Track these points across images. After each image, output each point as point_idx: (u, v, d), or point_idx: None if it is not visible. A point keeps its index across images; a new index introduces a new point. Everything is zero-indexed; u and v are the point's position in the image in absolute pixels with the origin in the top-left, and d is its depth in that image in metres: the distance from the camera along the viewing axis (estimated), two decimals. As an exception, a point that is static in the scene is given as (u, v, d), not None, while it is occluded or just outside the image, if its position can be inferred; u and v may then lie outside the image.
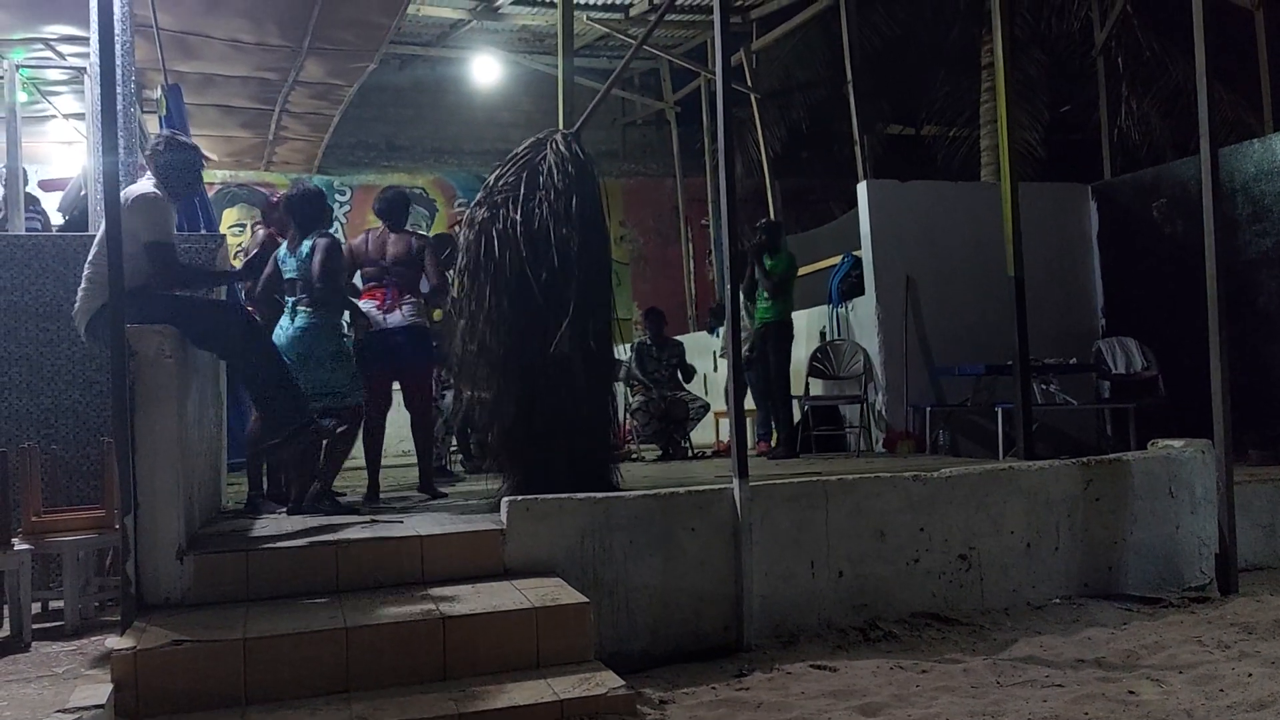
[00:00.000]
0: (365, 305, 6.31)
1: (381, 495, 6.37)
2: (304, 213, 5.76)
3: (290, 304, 5.64)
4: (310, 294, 5.58)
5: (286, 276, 5.72)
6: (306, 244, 5.65)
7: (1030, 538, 5.65)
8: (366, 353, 6.15)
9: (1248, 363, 7.52)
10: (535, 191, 5.66)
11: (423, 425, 6.68)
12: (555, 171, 5.65)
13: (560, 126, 6.58)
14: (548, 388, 5.45)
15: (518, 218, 5.57)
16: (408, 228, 6.81)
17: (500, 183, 5.74)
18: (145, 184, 5.09)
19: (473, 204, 5.89)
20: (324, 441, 5.56)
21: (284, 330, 5.60)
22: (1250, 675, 4.18)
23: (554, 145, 5.77)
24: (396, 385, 6.69)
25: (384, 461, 6.57)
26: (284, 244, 5.85)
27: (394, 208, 6.67)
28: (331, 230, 5.86)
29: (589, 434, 5.59)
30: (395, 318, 6.37)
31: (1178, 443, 6.13)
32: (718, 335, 11.00)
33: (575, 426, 5.48)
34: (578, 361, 5.43)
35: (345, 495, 6.07)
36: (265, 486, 6.16)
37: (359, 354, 6.02)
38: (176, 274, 5.00)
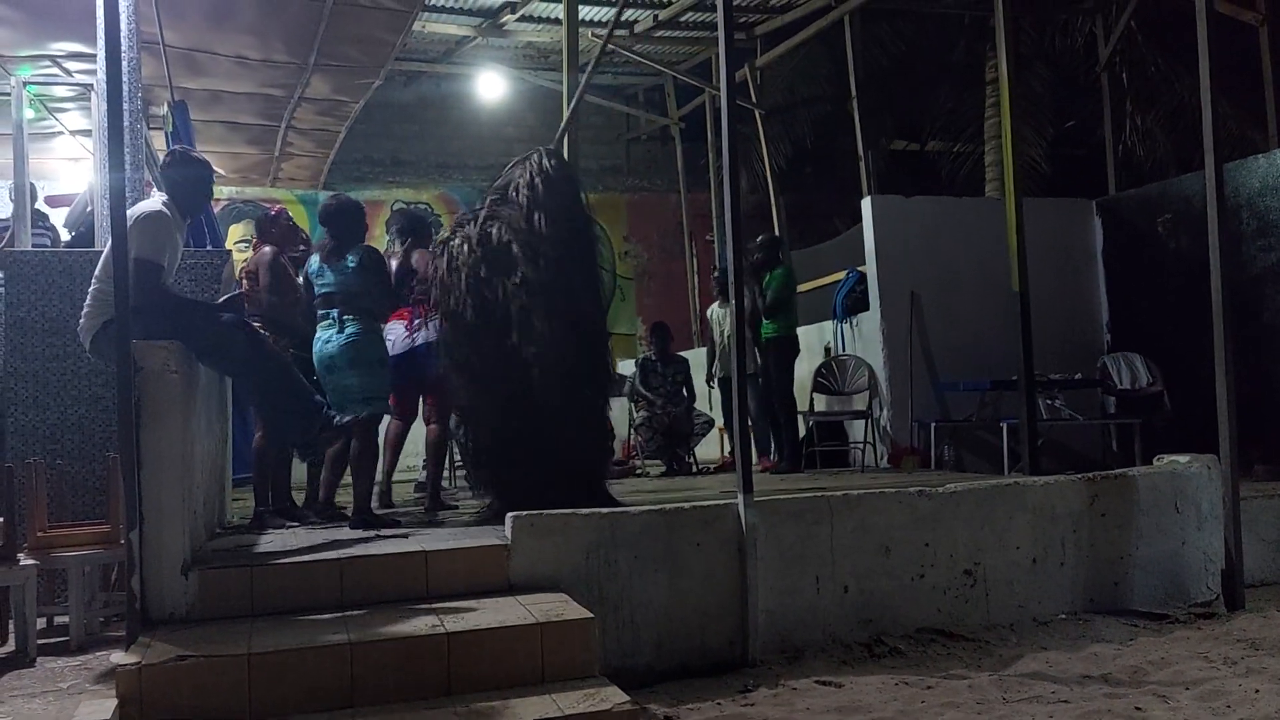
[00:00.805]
0: (393, 326, 6.48)
1: (394, 504, 6.51)
2: (344, 225, 5.77)
3: (334, 315, 5.63)
4: (360, 305, 5.63)
5: (323, 289, 5.71)
6: (352, 258, 5.68)
7: (1036, 553, 5.63)
8: (397, 369, 6.23)
9: (1253, 377, 7.50)
10: (498, 207, 5.73)
11: (439, 440, 6.77)
12: (522, 187, 5.69)
13: (564, 143, 6.63)
14: (521, 405, 5.45)
15: (473, 233, 5.65)
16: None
17: (477, 203, 5.85)
18: (153, 202, 5.08)
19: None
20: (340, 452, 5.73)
21: (330, 341, 5.61)
22: (1258, 691, 4.17)
23: (530, 161, 5.81)
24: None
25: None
26: (315, 257, 5.84)
27: (417, 227, 6.82)
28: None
29: (574, 450, 5.54)
30: (423, 335, 6.47)
31: (1183, 458, 6.12)
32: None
33: (553, 444, 5.45)
34: (555, 378, 5.42)
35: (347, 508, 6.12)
36: (270, 501, 6.16)
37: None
38: (152, 295, 4.76)
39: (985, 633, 5.31)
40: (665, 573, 4.89)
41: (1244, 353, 6.29)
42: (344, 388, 5.59)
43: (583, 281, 5.71)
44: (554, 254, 5.53)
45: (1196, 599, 5.89)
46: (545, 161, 5.79)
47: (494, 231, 5.62)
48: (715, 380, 9.37)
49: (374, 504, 6.09)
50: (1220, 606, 5.76)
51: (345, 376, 5.58)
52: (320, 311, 5.71)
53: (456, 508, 6.50)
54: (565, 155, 6.93)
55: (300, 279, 6.04)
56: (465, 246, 5.66)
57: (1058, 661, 4.79)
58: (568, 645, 4.14)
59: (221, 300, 5.52)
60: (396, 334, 6.54)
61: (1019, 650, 5.01)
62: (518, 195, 5.70)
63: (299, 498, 6.36)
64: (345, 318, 5.62)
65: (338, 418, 5.41)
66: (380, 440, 6.02)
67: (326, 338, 5.64)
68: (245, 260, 6.78)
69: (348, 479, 5.87)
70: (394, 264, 6.47)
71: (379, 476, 6.29)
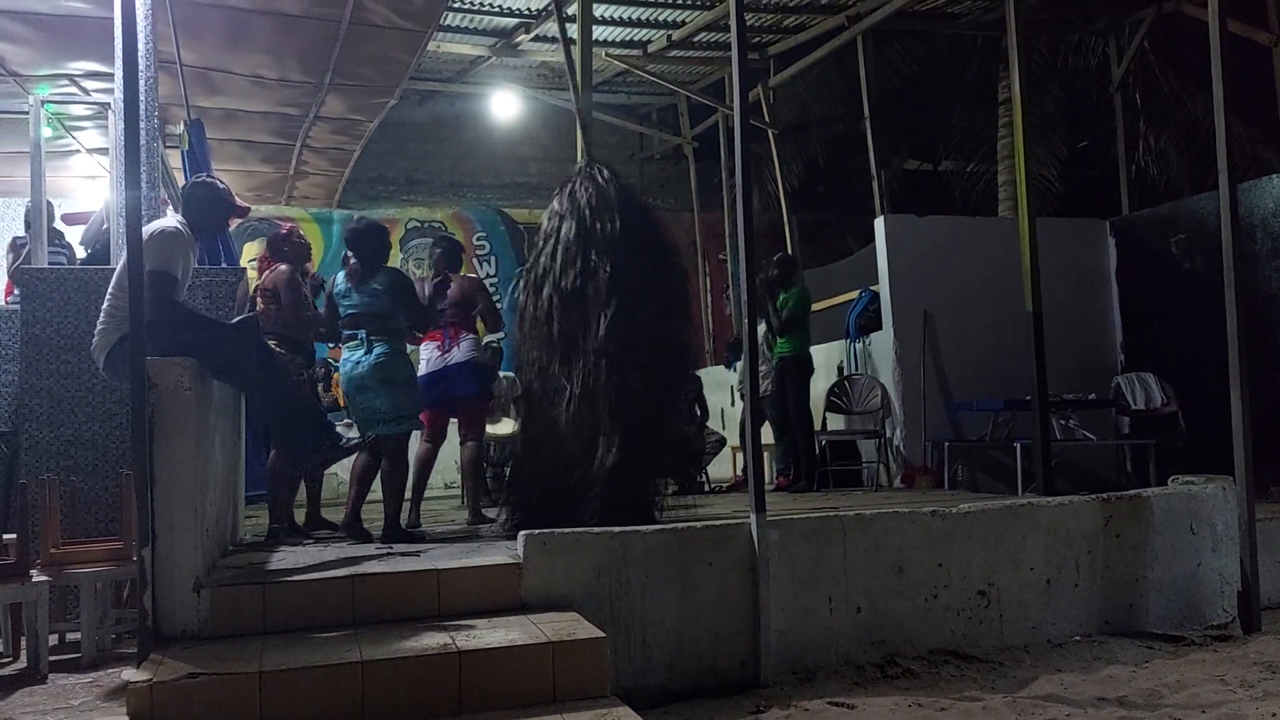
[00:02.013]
0: (426, 346, 6.78)
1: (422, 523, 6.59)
2: (369, 247, 5.88)
3: (362, 336, 5.75)
4: (388, 326, 5.76)
5: (349, 310, 5.81)
6: (380, 280, 5.80)
7: (1050, 574, 5.60)
8: (428, 389, 6.49)
9: (1268, 398, 7.46)
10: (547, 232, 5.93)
11: (475, 457, 7.04)
12: (583, 205, 5.81)
13: (579, 160, 6.69)
14: (556, 422, 5.52)
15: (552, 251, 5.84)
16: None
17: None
18: (169, 220, 5.14)
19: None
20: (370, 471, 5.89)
21: (360, 362, 5.72)
22: (1275, 715, 4.13)
23: (573, 184, 5.93)
24: None
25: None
26: (340, 277, 5.93)
27: (449, 253, 7.13)
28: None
29: (616, 468, 5.48)
30: (455, 355, 6.75)
31: (1198, 479, 6.09)
32: (735, 370, 11.00)
33: (577, 460, 5.49)
34: (602, 396, 5.46)
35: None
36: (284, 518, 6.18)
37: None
38: (166, 307, 4.77)
39: (999, 654, 5.28)
40: (677, 592, 4.87)
41: (1259, 373, 6.25)
42: (373, 408, 5.73)
43: (644, 298, 5.67)
44: (617, 267, 5.61)
45: (1212, 621, 5.85)
46: (581, 183, 5.96)
47: (564, 250, 5.77)
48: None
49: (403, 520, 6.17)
50: (1236, 629, 5.72)
51: (375, 397, 5.70)
52: (347, 332, 5.82)
53: (493, 521, 6.55)
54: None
55: (308, 292, 6.17)
56: (542, 265, 5.83)
57: (1072, 684, 4.75)
58: (579, 665, 4.12)
59: (237, 320, 5.54)
60: (429, 354, 6.77)
61: (1033, 672, 4.98)
62: (559, 220, 5.86)
63: (298, 514, 6.40)
64: (373, 339, 5.73)
65: (355, 439, 5.48)
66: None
67: (355, 359, 5.74)
68: (258, 278, 6.81)
69: (375, 495, 5.94)
70: (428, 287, 6.58)
71: (408, 494, 6.36)
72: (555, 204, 6.03)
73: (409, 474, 6.19)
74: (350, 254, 5.95)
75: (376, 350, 5.71)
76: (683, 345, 5.84)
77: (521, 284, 6.02)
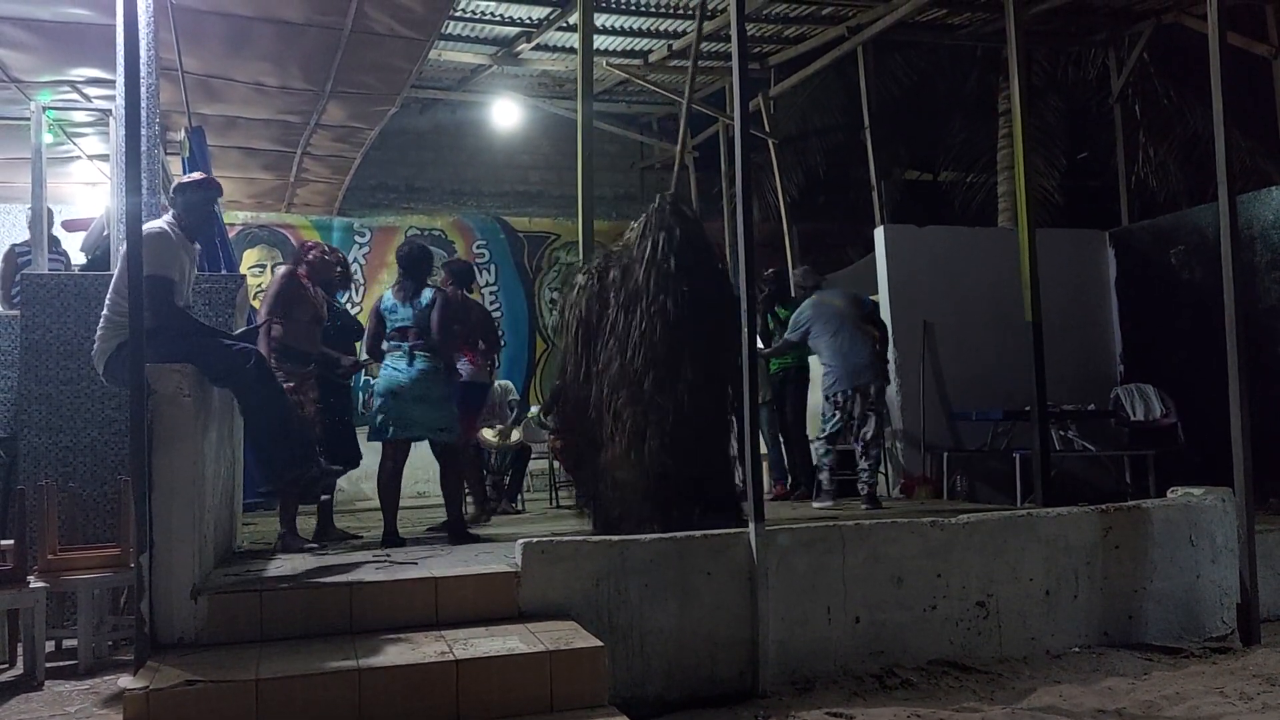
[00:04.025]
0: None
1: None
2: (417, 267, 6.45)
3: (405, 348, 6.20)
4: (427, 341, 6.21)
5: (398, 324, 6.27)
6: (426, 294, 6.31)
7: (1049, 585, 5.60)
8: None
9: (1268, 410, 7.45)
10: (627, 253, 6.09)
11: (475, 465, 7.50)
12: (650, 231, 5.96)
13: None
14: (644, 436, 5.67)
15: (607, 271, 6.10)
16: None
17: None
18: (155, 222, 5.05)
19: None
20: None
21: (401, 372, 6.18)
22: (1274, 728, 4.12)
23: (665, 213, 6.03)
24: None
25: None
26: (389, 294, 6.41)
27: (460, 274, 7.73)
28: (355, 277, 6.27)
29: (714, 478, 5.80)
30: (465, 371, 7.39)
31: (1198, 490, 6.08)
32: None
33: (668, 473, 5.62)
34: (667, 409, 5.60)
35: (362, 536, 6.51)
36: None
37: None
38: (165, 311, 4.74)
39: (998, 665, 5.27)
40: (676, 601, 4.87)
41: (1258, 385, 6.25)
42: (410, 418, 6.17)
43: (696, 322, 5.81)
44: (680, 291, 5.76)
45: (1211, 633, 5.84)
46: (672, 207, 6.08)
47: (620, 273, 5.98)
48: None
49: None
50: (1236, 641, 5.71)
51: (411, 408, 6.16)
52: (392, 343, 6.28)
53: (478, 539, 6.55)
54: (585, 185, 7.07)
55: (317, 296, 6.36)
56: (597, 286, 6.05)
57: (1071, 695, 4.75)
58: (577, 674, 4.12)
59: (239, 332, 5.54)
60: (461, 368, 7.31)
61: (1032, 683, 4.97)
62: (649, 243, 5.94)
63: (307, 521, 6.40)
64: (416, 352, 6.21)
65: (337, 469, 5.83)
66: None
67: (398, 367, 6.20)
68: (259, 284, 6.79)
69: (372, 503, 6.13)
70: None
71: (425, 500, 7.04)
72: (646, 228, 6.02)
73: (463, 477, 6.77)
74: (400, 272, 6.47)
75: (417, 364, 6.18)
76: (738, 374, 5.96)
77: (581, 291, 6.11)
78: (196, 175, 5.68)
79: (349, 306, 11.81)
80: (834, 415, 7.64)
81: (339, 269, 6.79)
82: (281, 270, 6.35)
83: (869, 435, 7.56)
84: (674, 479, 5.63)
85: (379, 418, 6.21)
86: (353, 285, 12.13)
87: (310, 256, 6.55)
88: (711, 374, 5.79)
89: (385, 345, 6.31)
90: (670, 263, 5.81)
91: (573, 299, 6.16)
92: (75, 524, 5.54)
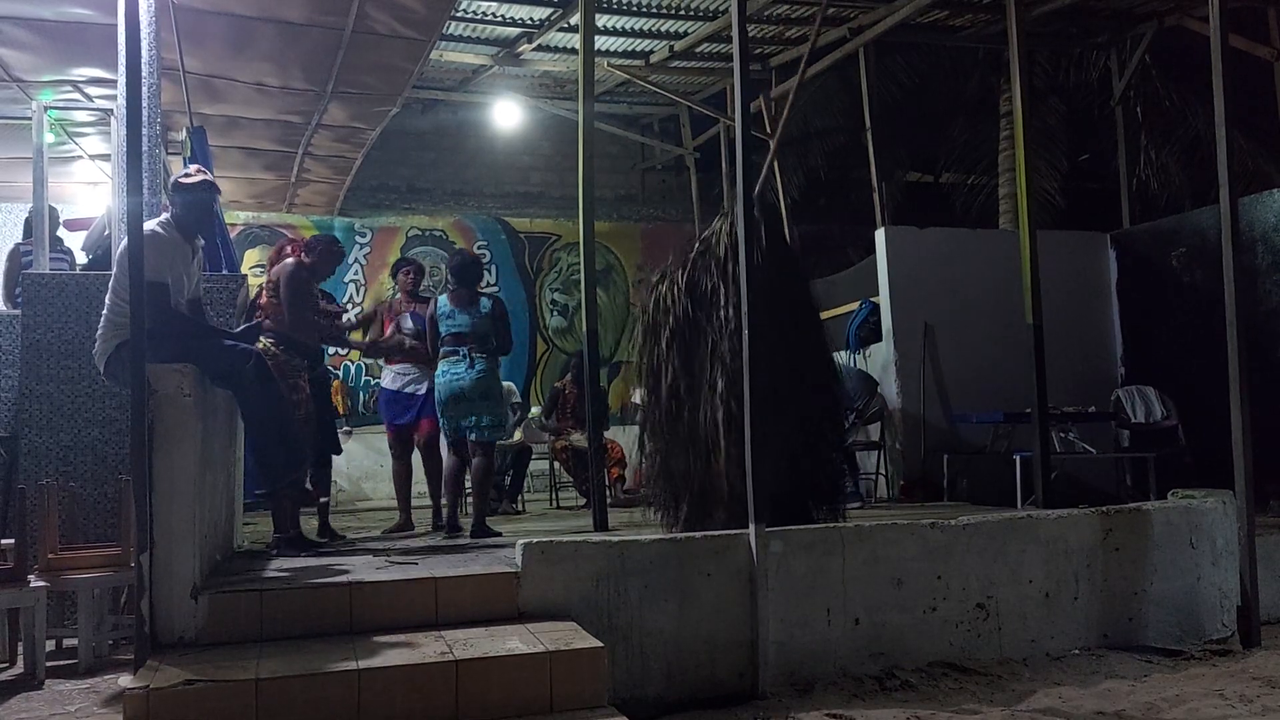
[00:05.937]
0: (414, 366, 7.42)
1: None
2: (469, 275, 6.87)
3: (464, 352, 6.57)
4: (487, 345, 6.62)
5: (454, 330, 6.63)
6: (485, 302, 6.73)
7: (1049, 587, 5.59)
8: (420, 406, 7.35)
9: (1268, 412, 7.44)
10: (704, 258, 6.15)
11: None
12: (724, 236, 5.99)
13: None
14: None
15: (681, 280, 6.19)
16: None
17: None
18: (149, 223, 4.99)
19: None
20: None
21: (461, 374, 6.55)
22: (1273, 730, 4.12)
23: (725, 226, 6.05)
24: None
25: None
26: (444, 299, 6.80)
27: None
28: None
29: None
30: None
31: (1198, 493, 6.08)
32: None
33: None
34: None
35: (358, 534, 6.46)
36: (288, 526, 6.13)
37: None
38: (159, 318, 4.64)
39: (998, 667, 5.27)
40: (675, 602, 4.87)
41: (1259, 387, 6.25)
42: (471, 419, 6.55)
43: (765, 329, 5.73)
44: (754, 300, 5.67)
45: (1212, 635, 5.84)
46: (761, 204, 6.26)
47: (701, 279, 6.04)
48: None
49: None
50: (1236, 643, 5.71)
51: (475, 407, 6.54)
52: (448, 348, 6.64)
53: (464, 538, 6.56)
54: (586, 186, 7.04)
55: (312, 294, 6.36)
56: (673, 291, 6.15)
57: (1071, 697, 4.75)
58: (577, 675, 4.12)
59: (239, 330, 5.50)
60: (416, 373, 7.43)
61: (1032, 685, 4.97)
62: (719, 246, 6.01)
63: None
64: (475, 355, 6.58)
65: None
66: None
67: (457, 372, 6.57)
68: (260, 284, 6.73)
69: (375, 500, 6.19)
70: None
71: (444, 500, 7.14)
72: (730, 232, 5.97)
73: (491, 480, 7.08)
74: (451, 280, 6.86)
75: (478, 366, 6.55)
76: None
77: (667, 288, 6.19)
78: (194, 170, 5.54)
79: (349, 306, 11.85)
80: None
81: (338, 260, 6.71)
82: (289, 263, 6.17)
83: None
84: (792, 483, 5.72)
85: (445, 422, 6.64)
86: (352, 285, 12.16)
87: (318, 248, 6.44)
88: (818, 380, 6.03)
89: (441, 350, 6.67)
90: (774, 270, 5.79)
91: (661, 309, 6.16)
92: (76, 523, 5.54)
